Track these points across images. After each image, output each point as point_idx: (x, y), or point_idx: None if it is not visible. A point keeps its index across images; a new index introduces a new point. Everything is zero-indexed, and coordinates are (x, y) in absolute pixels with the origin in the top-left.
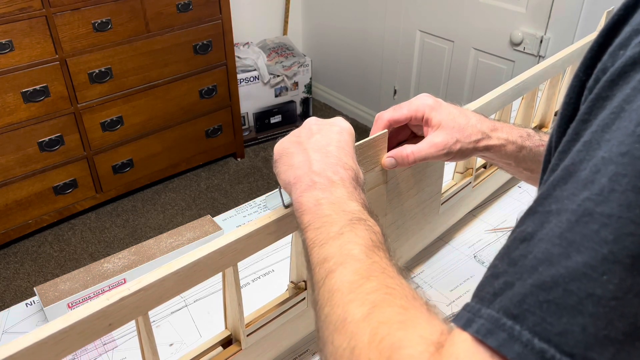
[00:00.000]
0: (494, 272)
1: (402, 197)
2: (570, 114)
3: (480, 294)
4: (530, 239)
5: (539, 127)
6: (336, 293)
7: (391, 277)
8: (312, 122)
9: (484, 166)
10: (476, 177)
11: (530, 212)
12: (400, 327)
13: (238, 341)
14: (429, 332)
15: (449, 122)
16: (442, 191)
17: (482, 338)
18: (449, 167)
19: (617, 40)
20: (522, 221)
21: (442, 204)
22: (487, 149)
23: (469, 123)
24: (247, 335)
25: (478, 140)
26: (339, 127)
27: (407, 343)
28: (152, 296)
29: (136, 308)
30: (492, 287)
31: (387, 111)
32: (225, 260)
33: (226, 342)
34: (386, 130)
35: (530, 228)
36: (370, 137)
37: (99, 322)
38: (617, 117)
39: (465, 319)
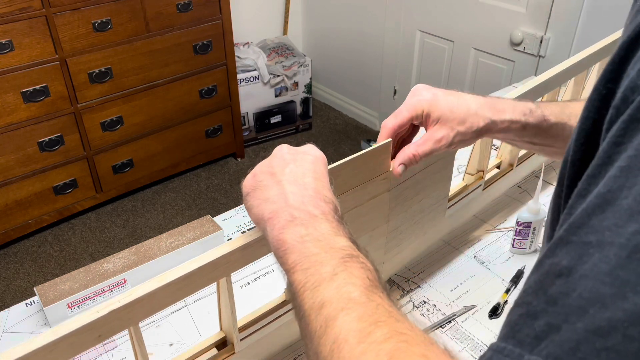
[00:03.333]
0: (529, 311)
1: (406, 204)
2: (590, 128)
3: (518, 335)
4: (568, 275)
5: None
6: (343, 345)
7: (399, 320)
8: (284, 150)
9: (498, 166)
10: (487, 182)
11: (562, 241)
12: None
13: (232, 344)
14: None
15: (448, 115)
16: (451, 194)
17: None
18: (458, 168)
19: None
20: (552, 251)
21: (448, 207)
22: (490, 133)
23: (469, 112)
24: (241, 340)
25: (479, 129)
26: (313, 156)
27: None
28: (143, 308)
29: (127, 320)
30: (531, 329)
31: (390, 119)
32: (218, 272)
33: (221, 344)
34: (390, 139)
35: (566, 261)
36: (373, 146)
37: (89, 334)
38: None
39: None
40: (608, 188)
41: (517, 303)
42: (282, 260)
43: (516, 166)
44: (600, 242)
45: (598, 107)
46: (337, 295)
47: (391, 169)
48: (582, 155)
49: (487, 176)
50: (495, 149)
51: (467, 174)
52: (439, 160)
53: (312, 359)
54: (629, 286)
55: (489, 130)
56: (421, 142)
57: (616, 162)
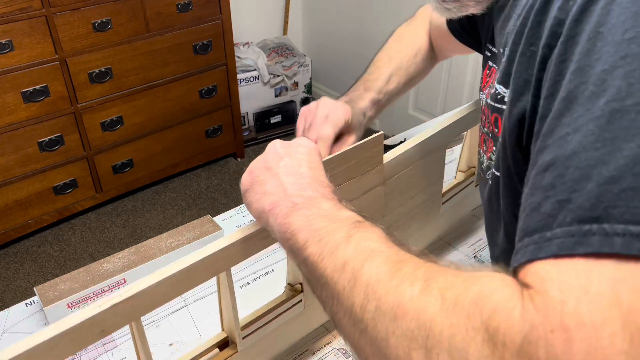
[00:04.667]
0: (532, 206)
1: (402, 198)
2: (522, 87)
3: (530, 228)
4: (554, 163)
5: None
6: (377, 285)
7: (424, 259)
8: (277, 145)
9: None
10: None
11: (540, 150)
12: (469, 283)
13: (234, 343)
14: (502, 277)
15: (355, 125)
16: (445, 190)
17: (572, 252)
18: (451, 166)
19: (558, 2)
20: (535, 160)
21: (443, 203)
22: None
23: (365, 115)
24: (243, 338)
25: (368, 120)
26: (306, 147)
27: (488, 292)
28: (145, 302)
29: (129, 314)
30: (541, 215)
31: (328, 131)
32: (218, 266)
33: (223, 344)
34: (381, 132)
35: (549, 157)
36: (365, 139)
37: (91, 329)
38: (597, 39)
39: (530, 252)
40: (567, 91)
41: (521, 211)
42: (291, 243)
43: None
44: (575, 128)
45: (526, 67)
46: (357, 251)
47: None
48: (518, 110)
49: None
50: None
51: (459, 171)
52: (431, 154)
53: (344, 318)
54: (619, 140)
55: (372, 118)
56: (339, 146)
57: (568, 70)
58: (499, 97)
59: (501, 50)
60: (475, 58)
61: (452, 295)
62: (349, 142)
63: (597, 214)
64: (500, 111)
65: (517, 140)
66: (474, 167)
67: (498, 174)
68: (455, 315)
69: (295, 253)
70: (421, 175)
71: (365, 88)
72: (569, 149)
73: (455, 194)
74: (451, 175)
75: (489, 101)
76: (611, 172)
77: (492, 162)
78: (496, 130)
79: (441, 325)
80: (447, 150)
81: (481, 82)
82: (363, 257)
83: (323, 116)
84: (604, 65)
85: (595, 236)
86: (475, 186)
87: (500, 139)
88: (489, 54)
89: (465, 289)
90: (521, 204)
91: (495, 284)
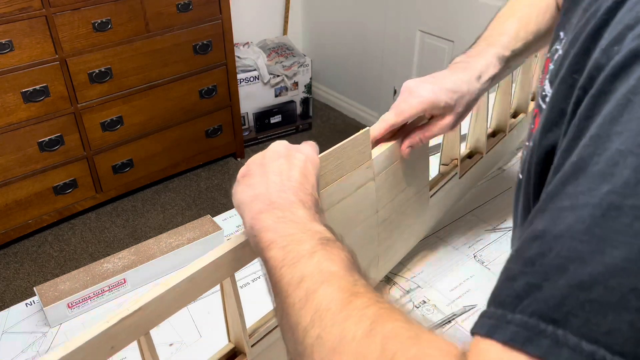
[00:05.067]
0: (509, 275)
1: (391, 193)
2: (556, 116)
3: (499, 298)
4: (543, 236)
5: (516, 114)
6: (325, 312)
7: (380, 296)
8: (280, 145)
9: (469, 156)
10: (462, 168)
11: (539, 211)
12: (412, 342)
13: (243, 353)
14: (445, 345)
15: (450, 105)
16: (430, 184)
17: (521, 346)
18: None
19: (607, 38)
20: (530, 221)
21: (431, 196)
22: (479, 98)
23: (463, 95)
24: (252, 346)
25: (473, 102)
26: (305, 156)
27: (423, 358)
28: (152, 315)
29: (137, 328)
30: (512, 290)
31: (390, 115)
32: (221, 272)
33: (231, 356)
34: (368, 128)
35: (541, 226)
36: (352, 137)
37: (102, 346)
38: (625, 108)
39: (488, 327)
40: (580, 156)
41: (501, 273)
42: (256, 240)
43: (486, 153)
44: (573, 206)
45: (565, 96)
46: (317, 269)
47: (378, 152)
48: (549, 142)
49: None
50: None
51: (442, 164)
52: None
53: (289, 332)
54: (606, 242)
55: (479, 97)
56: (426, 128)
57: (587, 132)
58: (543, 94)
59: (558, 43)
60: None
61: (392, 349)
62: (440, 125)
63: (557, 316)
64: (540, 108)
65: (542, 172)
66: (457, 159)
67: (521, 176)
68: None
69: (259, 251)
70: (408, 169)
71: (488, 44)
72: (559, 229)
73: (441, 187)
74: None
75: (542, 87)
76: (585, 277)
77: (531, 143)
78: (532, 125)
79: None
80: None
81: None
82: (320, 278)
83: (397, 102)
84: (621, 145)
85: (547, 340)
86: (460, 178)
87: (531, 144)
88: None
89: (406, 347)
90: (506, 261)
91: (433, 353)
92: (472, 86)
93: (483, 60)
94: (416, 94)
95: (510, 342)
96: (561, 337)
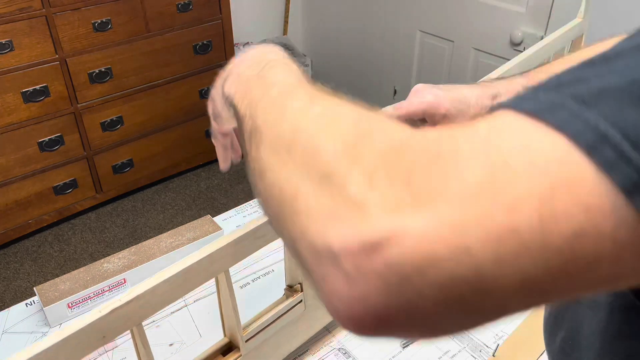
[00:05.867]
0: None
1: None
2: None
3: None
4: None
5: None
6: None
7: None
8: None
9: None
10: None
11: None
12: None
13: (237, 347)
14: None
15: (453, 113)
16: None
17: (537, 112)
18: None
19: None
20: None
21: None
22: None
23: (469, 106)
24: (246, 341)
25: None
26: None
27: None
28: (145, 306)
29: (129, 319)
30: (555, 79)
31: (389, 109)
32: (216, 266)
33: (226, 350)
34: None
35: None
36: None
37: (93, 335)
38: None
39: (514, 100)
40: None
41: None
42: (225, 97)
43: None
44: (600, 75)
45: None
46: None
47: None
48: None
49: None
50: None
51: None
52: None
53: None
54: None
55: None
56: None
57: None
58: None
59: None
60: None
61: (366, 125)
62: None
63: (590, 100)
64: None
65: None
66: None
67: None
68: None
69: (231, 107)
70: None
71: (522, 74)
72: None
73: None
74: None
75: None
76: (632, 77)
77: None
78: None
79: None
80: None
81: None
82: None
83: (406, 99)
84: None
85: (566, 113)
86: None
87: None
88: None
89: (380, 121)
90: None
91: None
92: (482, 102)
93: (506, 83)
94: (420, 95)
95: (529, 110)
96: (583, 113)
